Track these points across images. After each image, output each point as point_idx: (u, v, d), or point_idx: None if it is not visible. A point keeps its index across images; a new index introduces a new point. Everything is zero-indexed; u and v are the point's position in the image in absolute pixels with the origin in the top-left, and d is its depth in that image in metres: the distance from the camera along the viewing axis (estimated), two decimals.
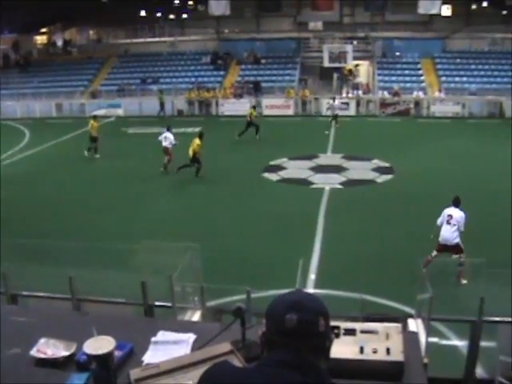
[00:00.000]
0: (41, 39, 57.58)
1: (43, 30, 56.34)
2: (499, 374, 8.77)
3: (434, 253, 13.80)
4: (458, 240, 13.71)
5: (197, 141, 23.25)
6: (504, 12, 46.40)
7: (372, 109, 40.47)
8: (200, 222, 18.21)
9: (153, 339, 3.65)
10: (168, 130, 25.56)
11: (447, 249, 13.81)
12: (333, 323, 3.89)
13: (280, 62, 46.51)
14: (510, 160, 23.73)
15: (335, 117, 33.95)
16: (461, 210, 13.93)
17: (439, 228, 13.93)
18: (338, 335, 4.14)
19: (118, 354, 3.14)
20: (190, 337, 3.77)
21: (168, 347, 3.62)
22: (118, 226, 18.15)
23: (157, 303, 10.30)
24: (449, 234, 13.72)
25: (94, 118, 29.39)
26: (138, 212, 19.67)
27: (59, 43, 54.65)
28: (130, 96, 43.58)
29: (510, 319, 9.40)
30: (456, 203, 14.09)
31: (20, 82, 46.19)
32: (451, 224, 13.73)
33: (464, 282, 13.30)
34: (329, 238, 16.56)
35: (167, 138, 25.03)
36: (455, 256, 13.74)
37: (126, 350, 3.36)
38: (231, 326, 3.37)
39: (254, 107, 33.47)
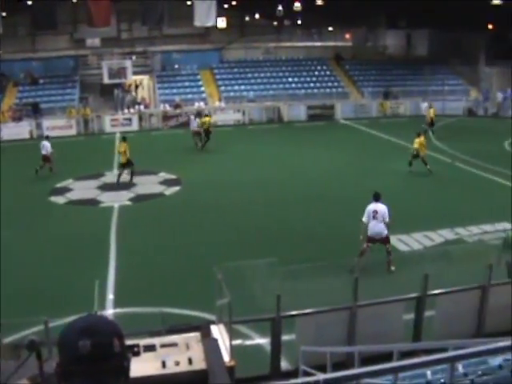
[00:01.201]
0: None
1: None
2: (302, 363, 9.05)
3: (365, 245, 14.62)
4: (386, 232, 14.61)
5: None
6: (275, 23, 48.55)
7: (155, 122, 40.58)
8: None
9: None
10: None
11: (375, 241, 14.65)
12: (132, 341, 3.76)
13: (59, 81, 45.29)
14: (291, 161, 24.87)
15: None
16: (381, 203, 14.73)
17: (366, 225, 14.58)
18: (138, 353, 4.02)
19: None
20: None
21: None
22: None
23: None
24: (378, 228, 14.53)
25: (124, 139, 25.88)
26: None
27: None
28: None
29: (305, 311, 9.76)
30: (377, 198, 14.86)
31: None
32: (378, 219, 14.50)
33: (393, 268, 14.38)
34: (124, 256, 16.38)
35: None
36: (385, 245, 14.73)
37: None
38: (29, 362, 3.14)
39: (206, 115, 32.64)
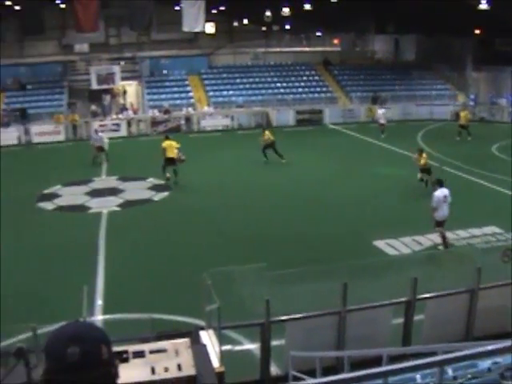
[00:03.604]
0: None
1: None
2: (292, 368, 9.05)
3: (440, 228, 16.14)
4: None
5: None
6: (263, 28, 48.65)
7: (143, 128, 40.51)
8: None
9: None
10: None
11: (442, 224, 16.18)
12: (120, 348, 3.75)
13: (47, 86, 45.15)
14: (279, 166, 24.92)
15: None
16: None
17: (434, 210, 16.09)
18: (126, 359, 4.02)
19: None
20: None
21: None
22: None
23: None
24: (447, 211, 16.09)
25: (167, 137, 26.27)
26: None
27: None
28: None
29: (295, 316, 9.76)
30: (441, 184, 16.37)
31: None
32: (446, 202, 16.05)
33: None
34: (112, 262, 16.33)
35: None
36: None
37: None
38: (16, 369, 3.13)
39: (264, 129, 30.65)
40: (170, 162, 24.89)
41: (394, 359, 6.47)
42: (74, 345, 2.23)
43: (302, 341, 9.64)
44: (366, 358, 7.95)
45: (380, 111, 36.50)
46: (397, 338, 10.38)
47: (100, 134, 29.19)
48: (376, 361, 6.50)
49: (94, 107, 41.97)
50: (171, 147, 24.95)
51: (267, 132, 28.86)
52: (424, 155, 22.90)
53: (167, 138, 25.77)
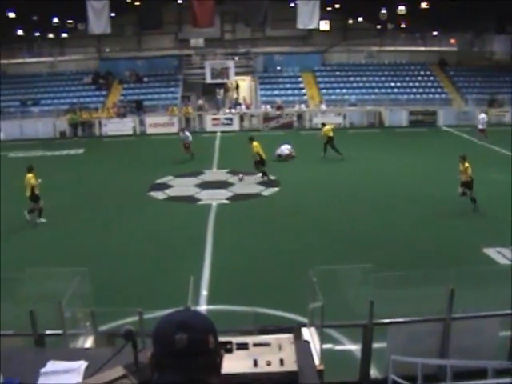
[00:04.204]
0: None
1: None
2: (392, 372, 8.96)
3: None
4: None
5: (29, 176, 20.41)
6: (378, 26, 48.12)
7: (255, 123, 40.80)
8: (87, 245, 17.75)
9: (42, 370, 3.50)
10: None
11: None
12: (225, 338, 3.83)
13: (162, 79, 46.33)
14: (390, 167, 24.61)
15: None
16: None
17: None
18: (230, 350, 4.10)
19: None
20: (82, 364, 3.65)
21: (59, 377, 3.48)
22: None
23: (47, 332, 9.95)
24: None
25: (252, 139, 25.95)
26: (21, 239, 19.00)
27: None
28: (9, 119, 42.24)
29: (398, 320, 9.65)
30: None
31: None
32: None
33: None
34: (219, 254, 16.54)
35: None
36: None
37: None
38: (124, 350, 3.26)
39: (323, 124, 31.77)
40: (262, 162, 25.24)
41: (499, 373, 6.31)
42: (182, 332, 2.30)
43: (404, 345, 9.52)
44: (469, 369, 7.79)
45: (480, 116, 35.11)
46: (503, 352, 10.07)
47: (186, 132, 29.69)
48: (480, 373, 6.36)
49: (201, 101, 42.65)
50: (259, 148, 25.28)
51: (327, 127, 29.05)
52: (466, 164, 20.20)
53: (252, 140, 25.73)
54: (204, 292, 13.94)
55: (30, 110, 42.97)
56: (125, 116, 41.03)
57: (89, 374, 3.37)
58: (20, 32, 48.37)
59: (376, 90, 44.18)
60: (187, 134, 29.79)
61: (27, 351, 5.23)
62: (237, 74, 44.94)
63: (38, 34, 50.13)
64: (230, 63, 44.42)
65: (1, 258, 16.73)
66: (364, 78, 45.84)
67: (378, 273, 9.60)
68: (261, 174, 25.23)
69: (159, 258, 16.45)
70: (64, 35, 50.72)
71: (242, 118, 41.04)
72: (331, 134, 29.32)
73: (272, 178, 25.29)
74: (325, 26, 46.82)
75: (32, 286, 11.87)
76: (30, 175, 20.46)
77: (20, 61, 48.87)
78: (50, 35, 50.91)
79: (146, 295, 13.39)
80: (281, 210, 20.87)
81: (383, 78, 45.84)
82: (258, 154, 25.00)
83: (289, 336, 4.55)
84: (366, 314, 9.20)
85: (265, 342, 4.35)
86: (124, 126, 39.24)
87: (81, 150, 34.71)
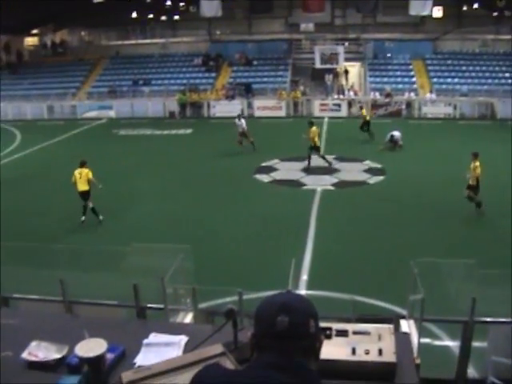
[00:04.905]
0: (32, 41, 57.37)
1: (34, 31, 56.10)
2: (491, 373, 8.78)
3: None
4: None
5: (85, 171, 18.91)
6: (495, 14, 46.58)
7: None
8: (191, 223, 18.15)
9: (145, 341, 3.63)
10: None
11: None
12: (325, 324, 3.87)
13: (271, 63, 46.51)
14: (502, 160, 23.88)
15: None
16: None
17: None
18: (329, 336, 4.13)
19: (109, 356, 3.13)
20: (182, 339, 3.75)
21: (160, 349, 3.60)
22: (108, 228, 18.10)
23: (149, 305, 10.28)
24: None
25: (311, 123, 25.78)
26: (128, 213, 19.62)
27: (50, 45, 54.46)
28: (121, 98, 43.53)
29: (501, 320, 9.42)
30: None
31: (11, 84, 46.10)
32: None
33: None
34: (321, 239, 16.55)
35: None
36: None
37: (117, 353, 3.33)
38: (223, 328, 3.36)
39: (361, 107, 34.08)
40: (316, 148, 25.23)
41: None
42: (284, 314, 2.33)
43: (506, 347, 9.30)
44: None
45: None
46: None
47: (242, 119, 29.31)
48: None
49: (302, 87, 42.51)
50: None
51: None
52: (477, 163, 18.40)
53: (312, 124, 25.54)
54: (304, 276, 13.99)
55: (142, 90, 44.12)
56: (233, 98, 41.51)
57: (189, 348, 3.48)
58: (134, 14, 49.56)
59: (489, 81, 42.72)
60: (242, 121, 29.35)
61: (131, 322, 5.44)
62: (346, 59, 44.58)
63: (150, 16, 51.22)
64: (340, 49, 44.13)
65: (110, 232, 17.41)
66: (477, 68, 44.45)
67: (483, 269, 9.41)
68: (308, 161, 25.40)
69: (261, 240, 16.62)
70: (176, 17, 51.63)
71: (350, 105, 40.72)
72: (368, 118, 31.48)
73: (378, 166, 25.01)
74: (438, 12, 45.76)
75: (136, 260, 12.25)
76: (85, 170, 18.92)
77: (133, 42, 50.24)
78: (163, 17, 51.94)
79: (246, 276, 13.55)
80: (385, 198, 20.61)
81: (497, 68, 44.21)
82: (313, 140, 24.94)
83: (389, 326, 4.55)
84: (468, 310, 9.05)
85: (364, 330, 4.35)
86: (232, 108, 39.63)
87: (189, 130, 35.40)
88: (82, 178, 18.55)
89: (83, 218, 18.47)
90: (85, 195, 18.60)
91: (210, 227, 17.88)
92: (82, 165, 18.92)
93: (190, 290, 10.60)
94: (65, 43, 54.51)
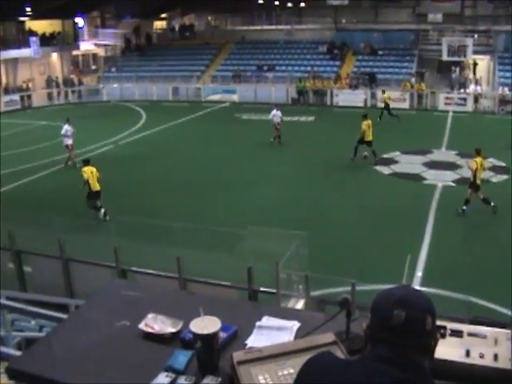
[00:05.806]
0: (160, 24, 58.97)
1: (163, 15, 57.58)
2: None
3: None
4: None
5: (94, 170, 18.52)
6: None
7: (490, 105, 39.01)
8: (307, 211, 18.23)
9: (257, 324, 3.64)
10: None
11: None
12: (439, 323, 3.77)
13: (397, 53, 45.77)
14: None
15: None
16: None
17: None
18: (443, 335, 4.02)
19: (222, 335, 3.16)
20: (295, 324, 3.74)
21: (272, 333, 3.60)
22: (224, 211, 18.41)
23: (261, 289, 10.38)
24: None
25: (365, 116, 25.23)
26: (245, 197, 19.89)
27: (178, 28, 55.75)
28: (245, 82, 44.06)
29: None
30: None
31: (139, 66, 47.62)
32: None
33: None
34: (438, 236, 16.23)
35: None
36: None
37: (230, 332, 3.36)
38: (337, 317, 3.32)
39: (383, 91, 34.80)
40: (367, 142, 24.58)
41: None
42: (400, 308, 2.25)
43: None
44: None
45: None
46: None
47: (278, 112, 28.39)
48: None
49: (413, 79, 41.52)
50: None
51: (387, 94, 29.63)
52: (476, 160, 18.23)
53: (366, 117, 24.86)
54: (419, 273, 13.78)
55: (265, 75, 44.44)
56: (357, 88, 41.18)
57: (300, 334, 3.46)
58: (260, 0, 49.89)
59: None
60: (277, 112, 28.65)
61: (243, 304, 5.49)
62: (475, 52, 43.21)
63: (277, 2, 51.41)
64: (469, 41, 42.80)
65: (224, 214, 17.69)
66: None
67: None
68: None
69: (378, 232, 16.49)
70: (302, 4, 51.61)
71: (476, 99, 39.51)
72: (388, 102, 33.55)
73: (502, 164, 24.21)
74: None
75: (252, 243, 12.41)
76: (85, 168, 18.47)
77: (258, 28, 50.75)
78: (289, 4, 52.02)
79: (360, 267, 13.48)
80: (509, 199, 19.88)
81: None
82: (363, 133, 24.36)
83: (507, 332, 4.39)
84: None
85: (481, 333, 4.21)
86: (355, 98, 39.41)
87: (311, 118, 35.40)
88: (95, 176, 18.19)
89: (102, 211, 18.24)
90: (99, 194, 18.33)
91: (326, 216, 17.89)
92: (87, 163, 18.53)
93: (303, 277, 10.65)
94: (192, 27, 55.67)
